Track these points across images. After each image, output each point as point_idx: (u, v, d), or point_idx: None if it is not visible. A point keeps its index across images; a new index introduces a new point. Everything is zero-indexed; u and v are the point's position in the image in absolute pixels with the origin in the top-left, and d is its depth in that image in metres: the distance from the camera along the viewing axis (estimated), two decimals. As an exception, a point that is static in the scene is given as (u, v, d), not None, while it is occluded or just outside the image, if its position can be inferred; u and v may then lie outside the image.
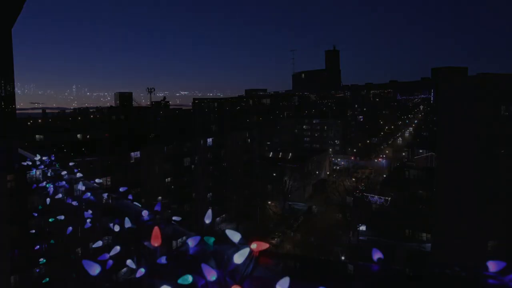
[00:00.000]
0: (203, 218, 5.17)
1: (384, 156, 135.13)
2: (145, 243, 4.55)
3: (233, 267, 3.63)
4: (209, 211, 5.09)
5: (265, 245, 3.83)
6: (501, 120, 43.63)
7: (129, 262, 4.86)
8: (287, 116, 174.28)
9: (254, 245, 3.76)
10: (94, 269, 4.13)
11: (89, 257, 4.32)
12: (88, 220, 10.34)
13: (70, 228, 11.66)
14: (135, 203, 8.91)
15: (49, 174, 14.15)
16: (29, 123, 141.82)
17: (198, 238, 4.31)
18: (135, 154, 58.14)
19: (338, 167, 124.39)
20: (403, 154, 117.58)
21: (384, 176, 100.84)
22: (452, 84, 48.61)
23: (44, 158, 15.36)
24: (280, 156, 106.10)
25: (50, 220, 36.65)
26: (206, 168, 72.61)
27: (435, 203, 51.47)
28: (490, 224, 42.02)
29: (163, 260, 4.12)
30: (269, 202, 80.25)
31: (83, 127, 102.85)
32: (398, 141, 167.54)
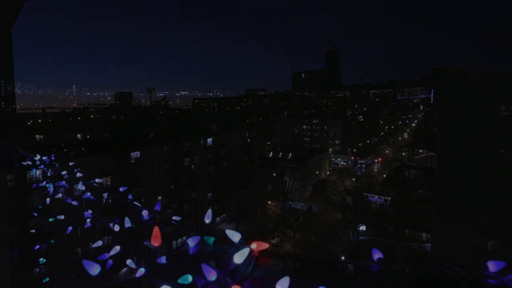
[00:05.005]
0: (203, 218, 5.16)
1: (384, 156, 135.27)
2: (145, 243, 4.54)
3: (233, 267, 3.62)
4: (209, 211, 5.06)
5: (265, 245, 3.82)
6: (501, 120, 43.65)
7: (129, 262, 4.84)
8: (287, 116, 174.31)
9: (254, 245, 3.74)
10: (94, 269, 4.12)
11: (89, 257, 4.31)
12: (88, 220, 10.31)
13: (70, 228, 11.62)
14: (135, 203, 8.89)
15: (49, 174, 14.11)
16: (29, 123, 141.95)
17: (198, 238, 4.30)
18: (135, 154, 58.13)
19: (338, 167, 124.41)
20: (403, 154, 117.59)
21: (384, 176, 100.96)
22: (452, 84, 48.62)
23: (44, 158, 15.33)
24: (280, 156, 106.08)
25: (50, 220, 36.77)
26: (206, 168, 72.62)
27: (435, 203, 51.50)
28: (490, 224, 42.05)
29: (163, 260, 4.11)
30: (269, 202, 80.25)
31: (83, 127, 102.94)
32: (398, 141, 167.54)
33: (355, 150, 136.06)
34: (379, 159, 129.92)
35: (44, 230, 43.23)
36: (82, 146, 58.01)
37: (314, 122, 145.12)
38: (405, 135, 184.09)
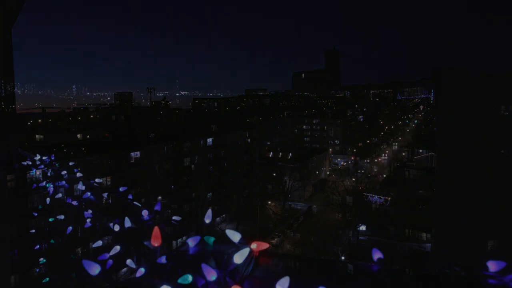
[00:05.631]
0: (203, 218, 5.16)
1: (384, 156, 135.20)
2: (145, 243, 4.54)
3: (233, 267, 3.62)
4: (209, 211, 5.06)
5: (265, 245, 3.81)
6: (501, 120, 43.64)
7: (129, 262, 4.85)
8: (287, 116, 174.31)
9: (254, 245, 3.74)
10: (94, 269, 4.11)
11: (89, 257, 4.30)
12: (88, 220, 10.29)
13: (70, 228, 11.61)
14: (135, 203, 8.89)
15: (49, 174, 14.10)
16: (29, 123, 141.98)
17: (198, 238, 4.30)
18: (135, 154, 58.12)
19: (338, 167, 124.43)
20: (403, 154, 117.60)
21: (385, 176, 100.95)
22: (452, 84, 48.61)
23: (44, 158, 15.32)
24: (280, 156, 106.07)
25: (50, 220, 36.75)
26: (206, 168, 72.61)
27: (435, 203, 51.48)
28: (490, 224, 42.04)
29: (163, 260, 4.11)
30: (269, 202, 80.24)
31: (83, 127, 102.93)
32: (398, 141, 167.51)
33: (355, 150, 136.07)
34: (378, 159, 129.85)
35: (44, 230, 43.23)
36: (82, 146, 57.99)
37: (314, 122, 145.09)
38: (405, 135, 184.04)
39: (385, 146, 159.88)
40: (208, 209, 5.27)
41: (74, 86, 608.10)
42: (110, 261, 5.07)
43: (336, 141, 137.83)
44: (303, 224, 74.91)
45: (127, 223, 6.36)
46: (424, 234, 63.83)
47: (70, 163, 13.64)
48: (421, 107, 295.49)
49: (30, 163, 15.81)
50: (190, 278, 3.59)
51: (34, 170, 40.45)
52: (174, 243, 59.81)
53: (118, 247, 5.41)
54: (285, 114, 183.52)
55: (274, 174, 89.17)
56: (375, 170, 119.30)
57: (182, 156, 66.99)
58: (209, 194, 72.50)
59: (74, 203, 11.30)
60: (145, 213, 6.90)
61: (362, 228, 66.88)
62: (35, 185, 15.61)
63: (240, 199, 73.94)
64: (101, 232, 37.60)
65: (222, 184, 75.03)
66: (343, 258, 55.60)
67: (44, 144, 64.65)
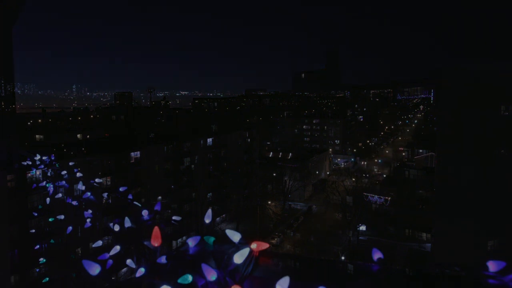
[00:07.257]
0: (203, 218, 5.16)
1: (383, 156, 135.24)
2: (145, 243, 4.54)
3: (233, 267, 3.62)
4: (209, 211, 5.06)
5: (265, 245, 3.82)
6: (501, 120, 43.63)
7: (129, 262, 4.85)
8: (287, 116, 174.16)
9: (254, 245, 3.74)
10: (94, 269, 4.12)
11: (89, 257, 4.30)
12: (88, 220, 10.30)
13: (70, 228, 11.62)
14: (135, 203, 8.90)
15: (49, 174, 14.10)
16: (29, 123, 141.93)
17: (198, 238, 4.30)
18: (135, 154, 58.10)
19: (337, 167, 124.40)
20: (403, 154, 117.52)
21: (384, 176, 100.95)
22: (452, 84, 48.60)
23: (44, 158, 15.32)
24: (280, 156, 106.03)
25: (50, 220, 36.77)
26: (206, 168, 72.60)
27: (435, 203, 51.48)
28: (490, 224, 42.04)
29: (163, 260, 4.11)
30: (269, 202, 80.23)
31: (83, 127, 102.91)
32: (398, 141, 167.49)
33: (355, 150, 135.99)
34: (378, 160, 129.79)
35: (44, 230, 43.23)
36: (82, 146, 57.95)
37: (314, 122, 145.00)
38: (405, 135, 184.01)
39: (385, 146, 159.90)
40: (208, 209, 5.27)
41: (74, 86, 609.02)
42: (110, 261, 5.08)
43: (336, 141, 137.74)
44: (303, 224, 74.87)
45: (127, 223, 6.37)
46: (424, 234, 63.81)
47: (70, 163, 13.63)
48: (421, 107, 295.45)
49: (30, 163, 15.81)
50: (190, 278, 3.59)
51: (34, 170, 40.45)
52: (174, 243, 59.86)
53: (118, 247, 5.42)
54: (285, 114, 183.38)
55: (274, 174, 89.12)
56: (375, 170, 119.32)
57: (182, 156, 66.96)
58: (209, 194, 72.47)
59: (74, 203, 11.30)
60: (145, 213, 6.91)
61: (362, 228, 66.87)
62: (35, 185, 15.64)
63: (240, 199, 73.90)
64: (101, 232, 37.60)
65: (222, 184, 75.00)
66: (343, 258, 55.59)
67: (44, 144, 64.62)
